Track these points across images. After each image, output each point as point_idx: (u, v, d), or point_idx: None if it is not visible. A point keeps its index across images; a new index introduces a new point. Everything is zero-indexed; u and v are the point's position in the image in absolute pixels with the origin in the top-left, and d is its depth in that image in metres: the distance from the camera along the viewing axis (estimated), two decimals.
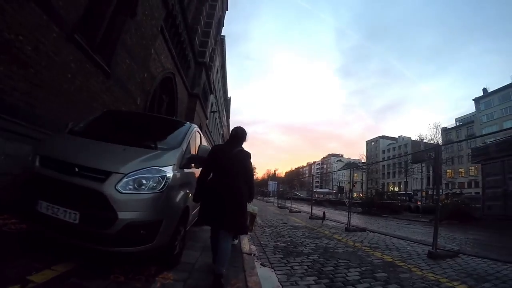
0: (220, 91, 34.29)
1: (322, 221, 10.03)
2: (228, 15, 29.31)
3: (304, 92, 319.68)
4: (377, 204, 19.40)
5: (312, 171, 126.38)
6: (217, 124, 36.50)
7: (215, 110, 26.66)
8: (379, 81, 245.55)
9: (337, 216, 14.05)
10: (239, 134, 2.90)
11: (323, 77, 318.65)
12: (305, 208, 21.48)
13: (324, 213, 10.43)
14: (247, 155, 2.83)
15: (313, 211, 19.32)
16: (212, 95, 25.46)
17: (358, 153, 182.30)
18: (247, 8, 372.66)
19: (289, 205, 18.08)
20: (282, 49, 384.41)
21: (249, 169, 2.87)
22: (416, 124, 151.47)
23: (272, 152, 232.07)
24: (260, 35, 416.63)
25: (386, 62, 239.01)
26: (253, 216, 3.44)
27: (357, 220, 12.88)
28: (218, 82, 31.79)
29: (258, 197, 41.56)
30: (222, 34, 28.44)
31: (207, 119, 23.04)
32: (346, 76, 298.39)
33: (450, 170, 54.08)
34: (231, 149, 2.78)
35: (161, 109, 13.05)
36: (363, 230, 8.42)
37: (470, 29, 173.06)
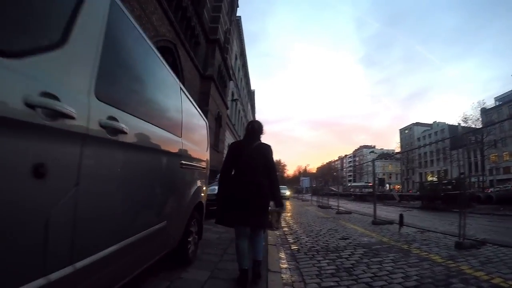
0: (241, 81, 31.25)
1: (399, 229, 6.45)
2: (244, 14, 26.43)
3: (329, 86, 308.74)
4: (441, 196, 15.10)
5: (344, 164, 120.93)
6: (242, 117, 33.51)
7: (237, 98, 23.58)
8: (404, 68, 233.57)
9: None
10: (256, 127, 2.74)
11: (346, 68, 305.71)
12: (350, 205, 17.72)
13: (401, 216, 6.75)
14: (268, 147, 2.70)
15: (359, 208, 15.68)
16: (231, 82, 22.46)
17: (391, 143, 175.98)
18: (262, 5, 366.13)
19: (334, 203, 14.53)
20: (301, 44, 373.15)
21: (271, 162, 2.67)
22: (448, 108, 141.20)
23: (302, 149, 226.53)
24: (278, 31, 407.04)
25: (409, 48, 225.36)
26: (278, 214, 2.84)
27: (431, 220, 9.22)
28: (239, 71, 28.76)
29: (293, 195, 38.04)
30: (237, 15, 25.37)
31: (227, 108, 20.07)
32: (370, 65, 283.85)
33: (494, 155, 47.21)
34: (250, 144, 2.65)
35: None
36: (483, 243, 4.80)
37: (492, 4, 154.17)
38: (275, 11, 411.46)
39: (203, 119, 3.76)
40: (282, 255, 3.83)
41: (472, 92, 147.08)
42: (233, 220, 2.54)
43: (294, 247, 4.51)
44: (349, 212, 11.24)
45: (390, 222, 7.77)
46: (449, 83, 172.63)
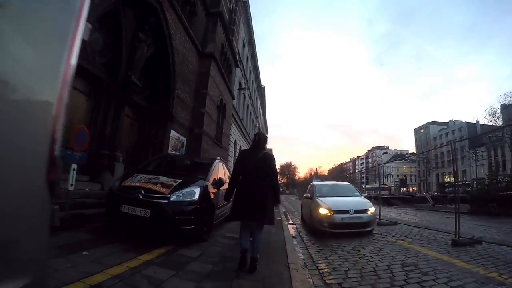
0: (250, 73, 28.51)
1: None
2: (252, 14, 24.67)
3: (339, 87, 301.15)
4: (495, 198, 12.10)
5: (357, 166, 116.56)
6: (251, 113, 30.74)
7: (244, 87, 20.84)
8: (414, 67, 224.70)
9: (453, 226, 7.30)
10: (262, 139, 3.35)
11: (357, 69, 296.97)
12: (381, 211, 14.61)
13: None
14: (271, 157, 3.29)
15: (394, 214, 12.71)
16: (238, 69, 19.74)
17: (404, 143, 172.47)
18: (268, 8, 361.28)
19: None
20: (310, 46, 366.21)
21: (274, 169, 3.31)
22: (463, 106, 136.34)
23: (313, 151, 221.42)
24: (286, 33, 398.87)
25: (419, 47, 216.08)
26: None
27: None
28: (247, 61, 26.04)
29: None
30: None
31: (233, 98, 17.34)
32: (380, 65, 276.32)
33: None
34: (256, 153, 3.22)
35: (135, 55, 7.48)
36: None
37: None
38: (283, 13, 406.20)
39: None
40: None
41: (487, 89, 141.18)
42: (240, 216, 3.14)
43: None
44: (394, 223, 8.23)
45: (478, 241, 4.97)
46: (462, 81, 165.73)
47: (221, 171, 5.17)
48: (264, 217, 3.02)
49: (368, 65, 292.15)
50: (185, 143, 10.67)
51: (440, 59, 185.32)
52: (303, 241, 5.44)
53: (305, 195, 8.45)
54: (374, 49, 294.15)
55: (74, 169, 3.81)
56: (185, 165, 5.05)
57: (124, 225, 3.68)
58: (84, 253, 2.90)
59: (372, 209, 6.40)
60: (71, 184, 3.80)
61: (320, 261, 3.91)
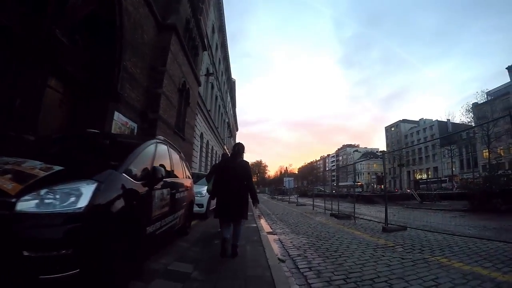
0: (220, 63, 26.57)
1: None
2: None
3: (308, 86, 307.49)
4: (498, 194, 11.17)
5: (327, 164, 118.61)
6: (220, 106, 28.78)
7: (212, 73, 18.91)
8: (383, 69, 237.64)
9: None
10: (240, 149, 3.94)
11: (325, 69, 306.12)
12: (364, 210, 13.42)
13: None
14: (247, 163, 4.00)
15: (370, 211, 11.57)
16: (206, 54, 17.80)
17: (373, 142, 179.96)
18: (241, 5, 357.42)
19: (348, 209, 10.26)
20: (281, 45, 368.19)
21: (249, 174, 3.91)
22: (429, 107, 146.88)
23: (282, 150, 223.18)
24: (257, 32, 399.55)
25: (388, 49, 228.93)
26: None
27: None
28: (217, 49, 24.08)
29: (278, 197, 33.63)
30: None
31: (199, 85, 15.40)
32: (349, 66, 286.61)
33: (486, 150, 45.52)
34: (234, 161, 3.85)
35: (64, 6, 5.41)
36: None
37: (472, 5, 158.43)
38: (253, 12, 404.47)
39: None
40: None
41: (450, 92, 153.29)
42: (221, 215, 3.71)
43: None
44: (403, 228, 6.89)
45: None
46: (428, 84, 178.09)
47: (161, 157, 3.37)
48: (241, 214, 3.65)
49: (337, 66, 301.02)
50: (135, 130, 8.66)
51: (409, 62, 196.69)
52: (298, 268, 3.52)
53: None
54: (342, 50, 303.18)
55: None
56: (99, 145, 3.06)
57: None
58: None
59: None
60: None
61: None
